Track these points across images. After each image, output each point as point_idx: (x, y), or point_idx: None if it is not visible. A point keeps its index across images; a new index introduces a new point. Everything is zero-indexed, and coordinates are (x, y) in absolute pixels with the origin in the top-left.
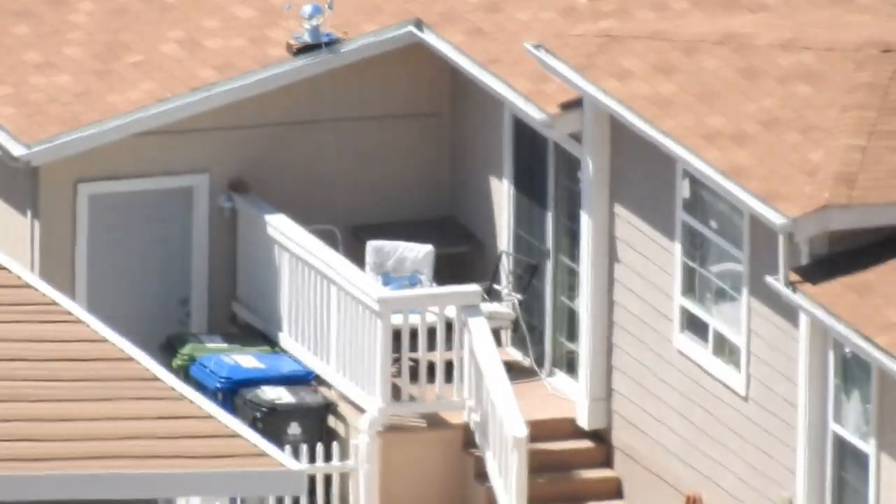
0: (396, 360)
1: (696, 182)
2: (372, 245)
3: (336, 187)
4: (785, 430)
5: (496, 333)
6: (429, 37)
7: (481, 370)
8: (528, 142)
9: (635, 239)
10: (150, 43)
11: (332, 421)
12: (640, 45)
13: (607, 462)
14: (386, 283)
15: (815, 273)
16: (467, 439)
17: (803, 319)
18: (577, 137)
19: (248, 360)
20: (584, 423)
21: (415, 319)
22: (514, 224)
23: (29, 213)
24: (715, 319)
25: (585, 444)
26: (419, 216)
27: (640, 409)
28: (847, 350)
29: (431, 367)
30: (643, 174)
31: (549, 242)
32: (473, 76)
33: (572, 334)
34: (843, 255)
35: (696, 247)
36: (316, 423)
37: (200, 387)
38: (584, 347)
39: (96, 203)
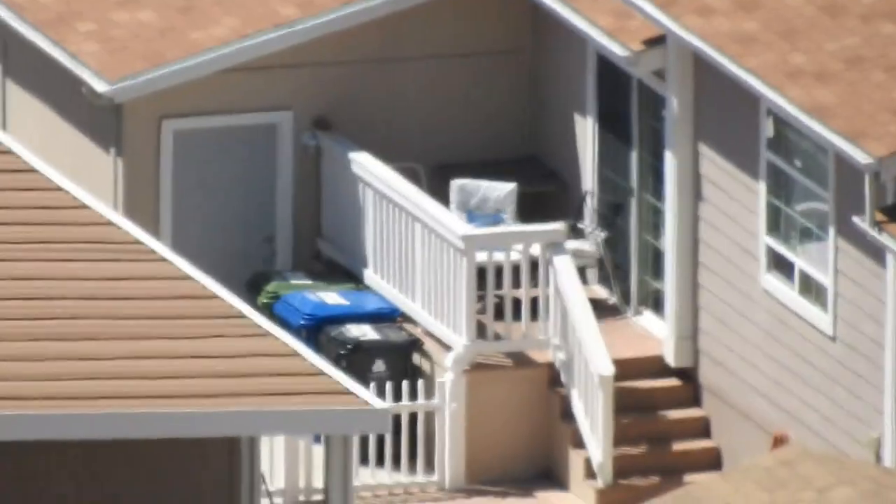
0: (481, 298)
1: (780, 120)
2: (455, 183)
3: (419, 125)
4: (872, 371)
5: (581, 271)
6: None
7: (567, 308)
8: (612, 79)
9: (720, 177)
10: None
11: (416, 359)
12: None
13: (695, 401)
14: (470, 220)
15: None
16: (553, 378)
17: (890, 260)
18: (660, 74)
19: (332, 297)
20: (670, 361)
21: (499, 257)
22: (598, 162)
23: (112, 151)
24: (801, 259)
25: (672, 382)
26: (502, 155)
27: (726, 348)
28: None
29: (517, 305)
30: (727, 112)
31: (634, 181)
32: (555, 12)
33: (657, 273)
34: None
35: (780, 186)
36: (401, 361)
37: (285, 324)
38: (670, 286)
39: (181, 139)
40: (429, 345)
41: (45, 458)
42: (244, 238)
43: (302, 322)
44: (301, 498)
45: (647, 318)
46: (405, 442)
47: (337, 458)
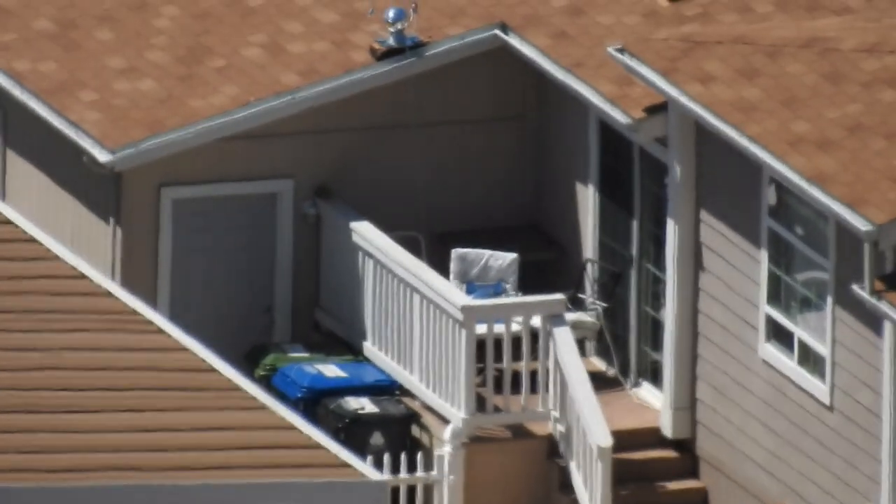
0: (481, 370)
1: (781, 188)
2: (457, 253)
3: (420, 193)
4: (869, 441)
5: (580, 343)
6: (513, 40)
7: (566, 380)
8: (614, 146)
9: (721, 245)
10: (233, 47)
11: (415, 431)
12: (724, 48)
13: (693, 472)
14: (470, 291)
15: None
16: (552, 450)
17: (888, 328)
18: (662, 142)
19: (330, 370)
20: (668, 432)
21: (499, 329)
22: (599, 231)
23: (111, 220)
24: (800, 328)
25: (670, 453)
26: (503, 222)
27: (724, 418)
28: None
29: (516, 377)
30: (729, 179)
31: (634, 249)
32: (558, 80)
33: (657, 343)
34: None
35: (781, 254)
36: (399, 434)
37: (283, 397)
38: (668, 357)
39: (180, 208)
40: (427, 418)
41: None
42: (243, 308)
43: (300, 395)
44: None
45: (646, 390)
46: None
47: None
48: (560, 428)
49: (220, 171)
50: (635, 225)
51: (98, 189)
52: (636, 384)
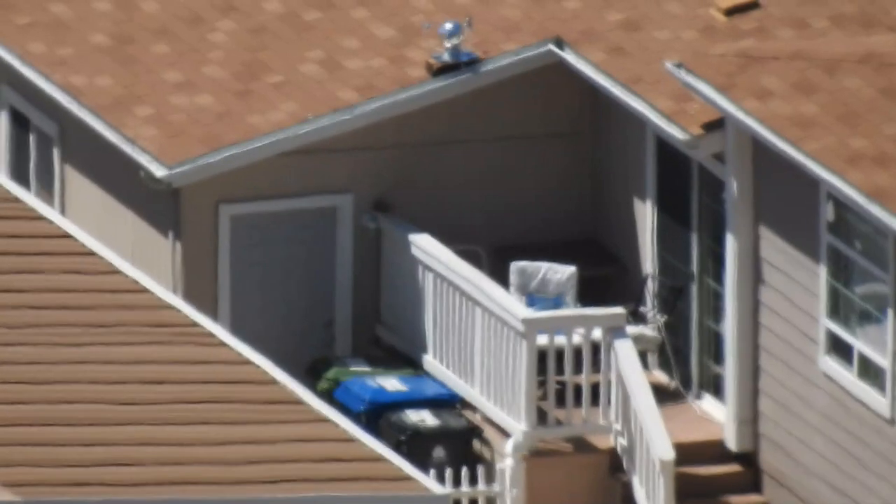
0: (542, 383)
1: (840, 204)
2: (516, 266)
3: (478, 207)
4: None
5: (642, 356)
6: (569, 56)
7: (628, 393)
8: (671, 162)
9: (780, 260)
10: (289, 63)
11: (476, 444)
12: (781, 64)
13: (755, 486)
14: (530, 304)
15: None
16: (614, 463)
17: None
18: (720, 158)
19: (391, 383)
20: (732, 445)
21: (560, 341)
22: (658, 246)
23: (171, 235)
24: (860, 341)
25: (733, 467)
26: (562, 237)
27: (786, 431)
28: None
29: (577, 390)
30: (787, 195)
31: (694, 264)
32: (614, 95)
33: (718, 357)
34: None
35: (840, 268)
36: (460, 447)
37: (345, 410)
38: (730, 370)
39: (238, 224)
40: (488, 431)
41: None
42: (303, 322)
43: (361, 408)
44: None
45: (708, 403)
46: None
47: None
48: (622, 441)
49: (279, 186)
50: (694, 240)
51: (157, 204)
52: (698, 397)
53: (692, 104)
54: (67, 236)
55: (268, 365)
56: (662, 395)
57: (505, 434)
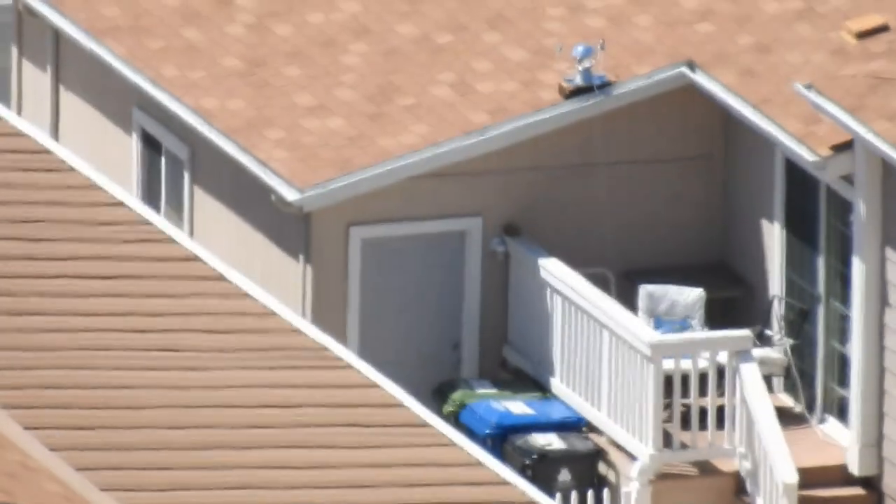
0: (668, 406)
1: None
2: (645, 290)
3: (607, 230)
4: None
5: (767, 379)
6: (700, 78)
7: (753, 416)
8: (800, 184)
9: None
10: (421, 85)
11: (602, 468)
12: None
13: None
14: (656, 326)
15: None
16: (738, 487)
17: None
18: (848, 180)
19: (517, 406)
20: (855, 469)
21: (686, 364)
22: (786, 268)
23: (301, 258)
24: None
25: (856, 491)
26: (690, 260)
27: None
28: None
29: (703, 413)
30: None
31: (821, 286)
32: (745, 117)
33: (843, 380)
34: None
35: None
36: (586, 470)
37: (470, 433)
38: (855, 393)
39: (368, 247)
40: (614, 454)
41: None
42: (431, 345)
43: (487, 431)
44: None
45: (832, 426)
46: None
47: None
48: (746, 465)
49: (409, 209)
50: (821, 262)
51: (288, 227)
52: (822, 420)
53: (821, 126)
54: (196, 259)
55: (394, 388)
56: (786, 418)
57: (631, 457)
